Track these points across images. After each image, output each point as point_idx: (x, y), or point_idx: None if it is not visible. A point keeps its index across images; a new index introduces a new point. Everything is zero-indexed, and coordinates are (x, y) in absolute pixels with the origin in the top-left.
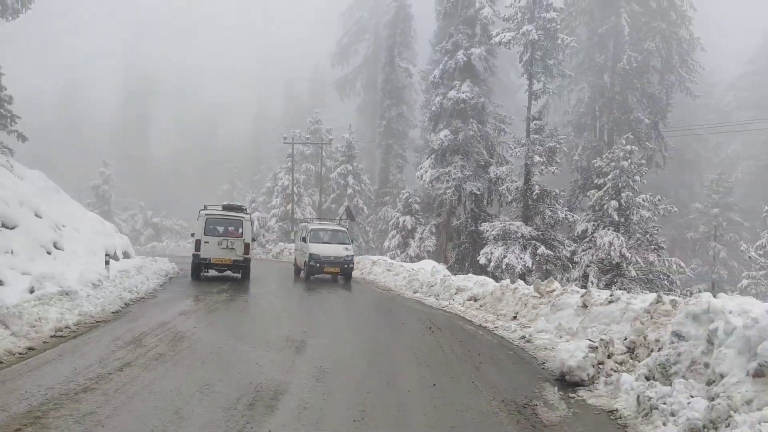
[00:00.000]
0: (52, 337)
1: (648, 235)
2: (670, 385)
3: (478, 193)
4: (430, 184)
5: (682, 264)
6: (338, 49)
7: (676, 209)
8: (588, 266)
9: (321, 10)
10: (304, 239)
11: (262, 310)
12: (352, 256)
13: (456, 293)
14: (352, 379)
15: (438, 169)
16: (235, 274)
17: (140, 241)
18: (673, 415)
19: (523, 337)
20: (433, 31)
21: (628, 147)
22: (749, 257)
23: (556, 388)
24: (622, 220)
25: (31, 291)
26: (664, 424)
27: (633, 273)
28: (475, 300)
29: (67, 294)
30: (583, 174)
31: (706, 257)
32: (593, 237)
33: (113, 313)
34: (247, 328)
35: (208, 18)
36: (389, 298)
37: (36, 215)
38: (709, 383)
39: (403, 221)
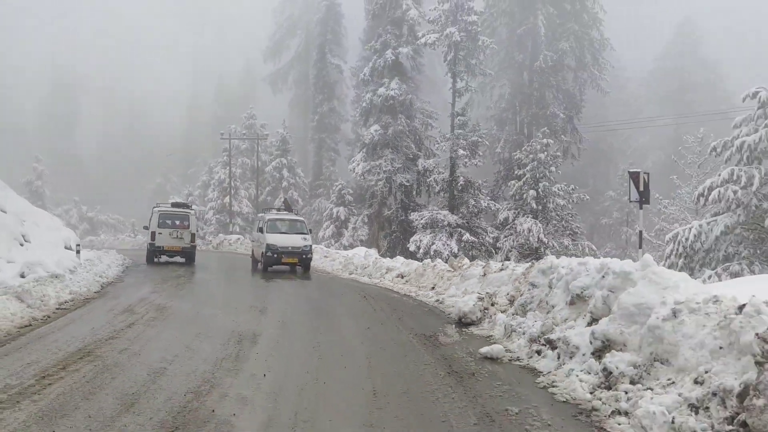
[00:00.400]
0: (57, 309)
1: (563, 222)
2: (525, 316)
3: (408, 184)
4: (362, 177)
5: (594, 247)
6: (270, 44)
7: (588, 197)
8: (510, 251)
9: (251, 5)
10: (260, 230)
11: (223, 289)
12: (311, 245)
13: (386, 272)
14: (307, 328)
15: (369, 162)
16: (182, 260)
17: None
18: (524, 333)
19: (438, 300)
20: (362, 29)
21: (545, 140)
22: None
23: (453, 326)
24: (540, 208)
25: (22, 275)
26: (518, 339)
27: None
28: (402, 277)
29: (56, 277)
30: (505, 165)
31: (620, 241)
32: (514, 224)
33: (96, 292)
34: (216, 300)
35: (137, 10)
36: (329, 279)
37: (1, 210)
38: (548, 312)
39: (337, 212)
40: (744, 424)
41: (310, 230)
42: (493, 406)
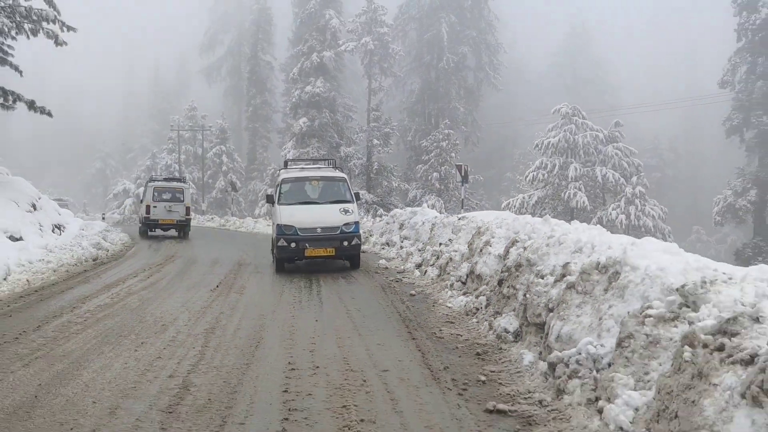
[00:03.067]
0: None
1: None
2: (390, 241)
3: None
4: (292, 162)
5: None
6: (205, 39)
7: (482, 178)
8: None
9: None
10: (272, 200)
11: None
12: (357, 223)
13: None
14: (275, 275)
15: (299, 149)
16: (178, 234)
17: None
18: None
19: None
20: (291, 30)
21: (447, 131)
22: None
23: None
24: (443, 187)
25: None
26: (427, 272)
27: None
28: None
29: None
30: (415, 151)
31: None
32: (421, 201)
33: (126, 248)
34: (203, 253)
35: None
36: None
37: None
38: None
39: (271, 192)
40: (472, 271)
41: (357, 195)
42: (383, 281)
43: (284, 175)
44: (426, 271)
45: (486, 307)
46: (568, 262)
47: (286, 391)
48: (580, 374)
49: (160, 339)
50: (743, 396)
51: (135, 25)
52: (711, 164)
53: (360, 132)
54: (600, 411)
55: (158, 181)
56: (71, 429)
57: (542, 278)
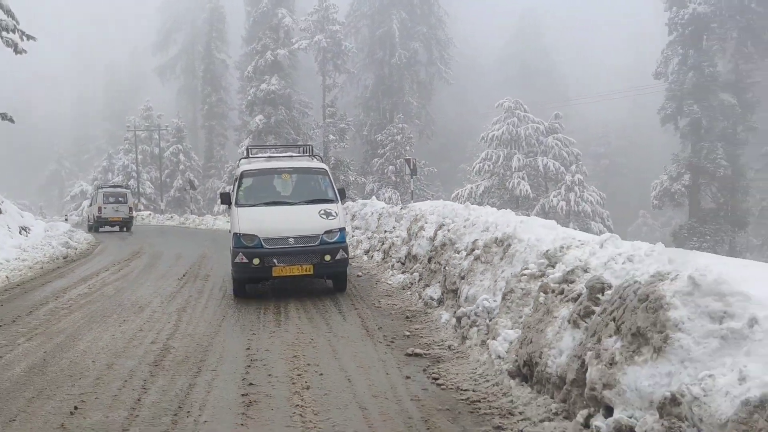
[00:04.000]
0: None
1: (417, 190)
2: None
3: None
4: (258, 150)
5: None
6: (159, 38)
7: (436, 170)
8: None
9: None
10: (228, 200)
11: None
12: (342, 230)
13: None
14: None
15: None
16: (121, 229)
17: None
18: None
19: None
20: (244, 28)
21: (401, 125)
22: None
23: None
24: (399, 180)
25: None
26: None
27: None
28: None
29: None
30: (371, 146)
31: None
32: (378, 194)
33: (93, 246)
34: (167, 249)
35: None
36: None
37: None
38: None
39: (229, 190)
40: (409, 253)
41: (342, 192)
42: None
43: (245, 166)
44: (372, 256)
45: (418, 281)
46: (476, 239)
47: (248, 348)
48: (477, 324)
49: (140, 317)
50: (569, 322)
51: (85, 24)
52: (657, 151)
53: (316, 128)
54: (488, 347)
55: (106, 187)
56: (79, 378)
57: (458, 253)
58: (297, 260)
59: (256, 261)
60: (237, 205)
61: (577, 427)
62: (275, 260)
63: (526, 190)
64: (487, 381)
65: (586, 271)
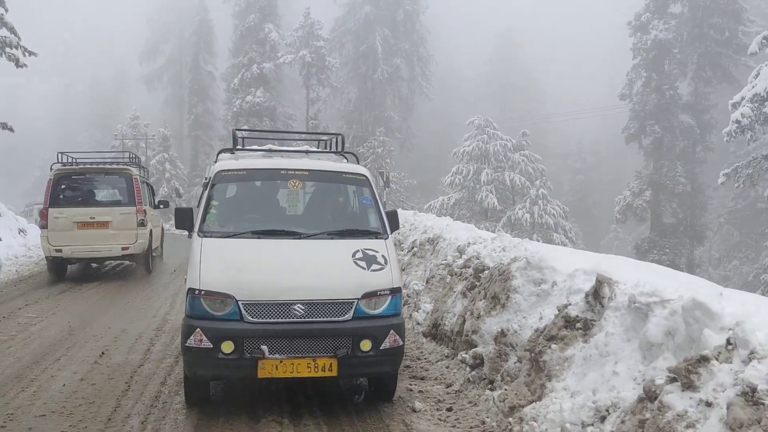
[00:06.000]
0: None
1: (399, 203)
2: None
3: None
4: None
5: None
6: (146, 48)
7: (415, 182)
8: None
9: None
10: (189, 223)
11: None
12: (397, 291)
13: None
14: None
15: None
16: None
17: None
18: None
19: None
20: (231, 41)
21: (382, 138)
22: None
23: None
24: (379, 191)
25: None
26: None
27: None
28: None
29: None
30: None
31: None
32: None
33: None
34: None
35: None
36: None
37: None
38: None
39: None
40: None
41: (395, 216)
42: None
43: (222, 163)
44: None
45: None
46: (416, 239)
47: None
48: (408, 302)
49: (142, 297)
50: (461, 294)
51: (71, 30)
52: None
53: (299, 140)
54: (412, 317)
55: None
56: (102, 337)
57: (402, 251)
58: (308, 349)
59: (227, 347)
60: (201, 232)
61: (456, 361)
62: (265, 348)
63: (494, 203)
64: (408, 341)
65: (478, 258)
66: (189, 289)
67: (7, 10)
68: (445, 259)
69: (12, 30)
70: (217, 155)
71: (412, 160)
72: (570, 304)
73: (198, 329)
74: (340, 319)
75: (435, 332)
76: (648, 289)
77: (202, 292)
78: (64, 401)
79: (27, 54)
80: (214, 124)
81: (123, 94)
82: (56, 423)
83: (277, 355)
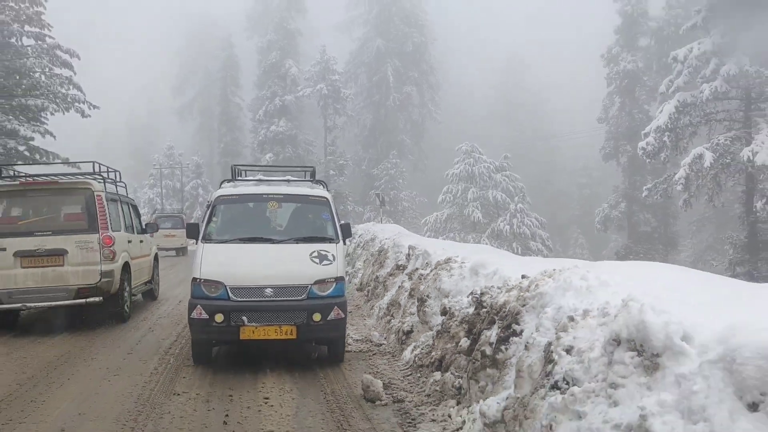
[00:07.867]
0: None
1: (409, 219)
2: None
3: None
4: (248, 173)
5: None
6: (177, 82)
7: (426, 200)
8: None
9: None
10: (196, 233)
11: None
12: (340, 280)
13: None
14: None
15: None
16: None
17: None
18: None
19: None
20: (256, 75)
21: (395, 160)
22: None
23: None
24: (391, 209)
25: None
26: None
27: None
28: None
29: None
30: (369, 178)
31: None
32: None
33: None
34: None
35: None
36: None
37: None
38: None
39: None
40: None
41: (347, 228)
42: None
43: (221, 191)
44: None
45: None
46: (364, 241)
47: None
48: (356, 274)
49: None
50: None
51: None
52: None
53: (319, 164)
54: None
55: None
56: (125, 337)
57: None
58: (275, 319)
59: (218, 317)
60: (204, 240)
61: (370, 304)
62: (245, 318)
63: (479, 218)
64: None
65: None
66: (193, 278)
67: (75, 73)
68: (398, 261)
69: (79, 88)
70: (220, 184)
71: (425, 180)
72: (400, 260)
73: (198, 305)
74: (298, 298)
75: (360, 287)
76: (449, 254)
77: (202, 280)
78: None
79: (92, 108)
80: (242, 152)
81: (156, 124)
82: None
83: (253, 324)
